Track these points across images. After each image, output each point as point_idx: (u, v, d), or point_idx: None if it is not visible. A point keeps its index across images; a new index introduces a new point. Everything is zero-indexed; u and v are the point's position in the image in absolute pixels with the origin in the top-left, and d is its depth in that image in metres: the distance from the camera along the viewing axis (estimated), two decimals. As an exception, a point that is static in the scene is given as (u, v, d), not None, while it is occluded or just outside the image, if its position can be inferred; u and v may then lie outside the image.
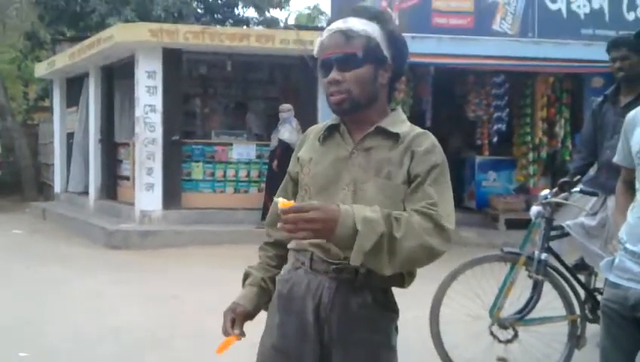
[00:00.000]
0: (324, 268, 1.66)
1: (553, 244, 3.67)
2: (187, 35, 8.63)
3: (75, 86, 12.15)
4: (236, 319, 1.74)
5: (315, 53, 1.71)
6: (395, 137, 1.67)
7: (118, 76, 10.56)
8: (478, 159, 9.52)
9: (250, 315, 1.79)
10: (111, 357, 4.03)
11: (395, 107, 1.79)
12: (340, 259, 1.62)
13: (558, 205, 3.73)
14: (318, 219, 1.45)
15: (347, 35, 1.62)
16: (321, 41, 1.68)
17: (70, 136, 12.27)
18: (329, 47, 1.65)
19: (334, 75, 1.63)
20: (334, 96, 1.65)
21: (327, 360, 1.67)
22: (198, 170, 9.22)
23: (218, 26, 13.37)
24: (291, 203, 1.50)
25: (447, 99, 9.64)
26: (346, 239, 1.48)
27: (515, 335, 3.56)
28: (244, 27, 15.03)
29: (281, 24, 16.45)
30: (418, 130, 1.71)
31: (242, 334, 1.72)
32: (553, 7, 9.41)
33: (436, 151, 1.67)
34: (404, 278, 1.71)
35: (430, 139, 1.68)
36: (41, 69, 12.74)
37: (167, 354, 4.10)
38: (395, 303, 1.74)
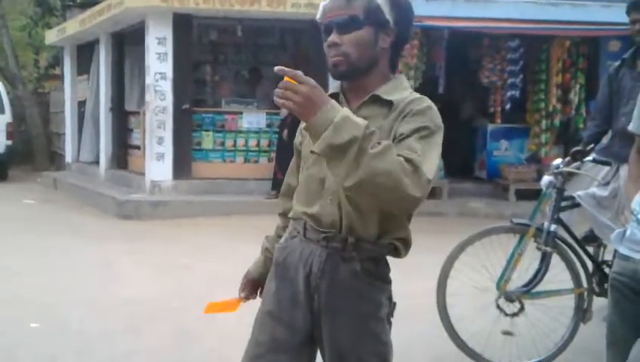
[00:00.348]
0: (316, 237, 1.67)
1: (563, 215, 3.61)
2: (197, 0, 8.50)
3: (85, 53, 12.10)
4: (246, 284, 1.94)
5: (317, 17, 1.69)
6: (389, 105, 1.62)
7: (128, 43, 10.49)
8: (490, 127, 9.35)
9: (257, 282, 1.92)
10: (122, 328, 4.07)
11: (397, 75, 1.71)
12: (330, 228, 1.64)
13: (570, 175, 3.66)
14: (305, 94, 1.40)
15: None
16: (324, 5, 1.66)
17: (81, 104, 12.29)
18: (331, 10, 1.63)
19: (333, 37, 1.61)
20: (332, 59, 1.62)
21: (317, 327, 1.69)
22: (208, 140, 9.18)
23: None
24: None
25: (460, 65, 9.46)
26: (320, 127, 1.40)
27: (522, 309, 3.52)
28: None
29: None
30: (415, 95, 1.64)
31: (242, 298, 1.92)
32: (572, -33, 9.13)
33: (428, 113, 1.58)
34: (397, 248, 1.68)
35: (425, 103, 1.61)
36: (51, 36, 12.68)
37: (177, 325, 4.14)
38: (387, 274, 1.71)
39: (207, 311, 1.88)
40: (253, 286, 1.93)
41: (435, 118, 1.59)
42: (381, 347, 1.68)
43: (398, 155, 1.46)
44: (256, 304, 1.88)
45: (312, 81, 1.44)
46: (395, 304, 1.74)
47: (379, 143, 1.44)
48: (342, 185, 1.45)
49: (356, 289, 1.65)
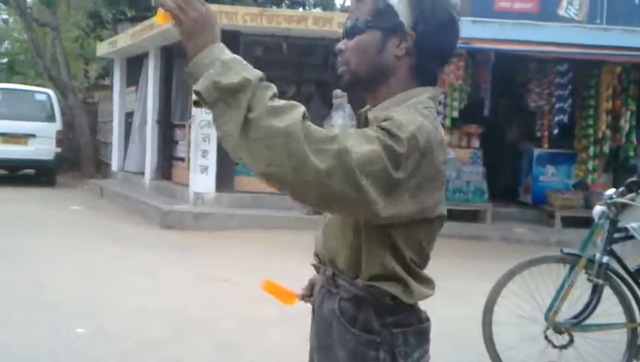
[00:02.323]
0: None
1: (616, 247, 3.52)
2: (245, 17, 8.66)
3: (134, 65, 12.41)
4: (308, 284, 1.69)
5: None
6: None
7: (176, 57, 10.72)
8: (537, 152, 9.20)
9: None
10: (163, 338, 4.12)
11: (416, 88, 1.34)
12: (318, 256, 1.47)
13: (624, 206, 3.56)
14: (203, 15, 1.21)
15: None
16: None
17: (129, 115, 12.58)
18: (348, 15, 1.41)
19: (339, 44, 1.39)
20: (338, 68, 1.39)
21: None
22: (251, 154, 9.27)
23: (275, 8, 13.37)
24: None
25: (507, 87, 9.37)
26: (206, 61, 1.18)
27: (571, 341, 3.43)
28: (301, 9, 14.99)
29: (338, 6, 16.32)
30: (403, 110, 1.26)
31: (299, 294, 1.67)
32: (624, -8, 8.99)
33: (395, 120, 1.19)
34: (386, 293, 1.31)
35: (401, 118, 1.20)
36: (103, 49, 13.07)
37: (216, 338, 4.17)
38: (371, 323, 1.33)
39: (264, 288, 1.66)
40: (313, 289, 1.66)
41: (408, 127, 1.18)
42: None
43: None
44: (300, 328, 1.80)
45: (207, 5, 1.23)
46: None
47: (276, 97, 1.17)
48: (226, 144, 1.15)
49: (336, 331, 1.38)
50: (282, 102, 1.16)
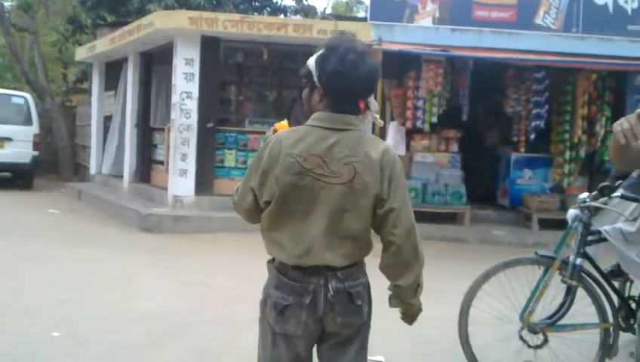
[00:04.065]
0: None
1: (589, 249, 3.58)
2: (226, 24, 8.65)
3: (113, 70, 12.32)
4: None
5: None
6: None
7: (156, 62, 10.67)
8: (514, 156, 9.33)
9: None
10: (140, 342, 4.09)
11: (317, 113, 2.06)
12: None
13: (597, 209, 3.63)
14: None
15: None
16: None
17: (107, 119, 12.49)
18: None
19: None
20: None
21: None
22: (230, 158, 9.28)
23: (256, 14, 13.38)
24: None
25: (485, 94, 9.48)
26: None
27: (545, 341, 3.49)
28: (282, 16, 15.01)
29: (319, 13, 16.38)
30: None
31: None
32: (599, 1, 9.16)
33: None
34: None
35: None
36: (81, 53, 12.96)
37: (195, 342, 4.15)
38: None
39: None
40: None
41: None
42: None
43: None
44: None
45: None
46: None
47: None
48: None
49: None
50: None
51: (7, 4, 16.97)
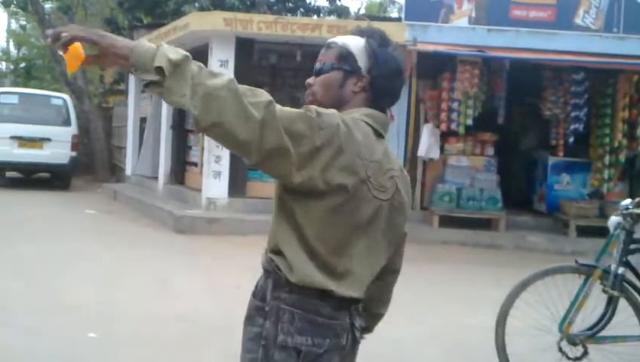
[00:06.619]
0: None
1: (632, 258, 3.47)
2: (260, 25, 8.70)
3: (149, 72, 12.47)
4: None
5: None
6: None
7: (191, 64, 10.78)
8: (552, 160, 9.13)
9: None
10: (173, 344, 4.12)
11: (362, 109, 1.67)
12: None
13: (640, 216, 3.52)
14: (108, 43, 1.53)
15: (328, 46, 1.75)
16: None
17: (143, 120, 12.67)
18: (318, 58, 1.79)
19: (309, 79, 1.77)
20: (306, 98, 1.75)
21: None
22: (263, 160, 9.30)
23: (290, 15, 13.42)
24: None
25: (521, 95, 9.32)
26: (146, 52, 1.46)
27: (585, 353, 3.39)
28: (315, 17, 15.02)
29: (352, 13, 16.34)
30: None
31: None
32: (641, 1, 8.92)
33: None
34: (286, 261, 1.56)
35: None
36: (118, 55, 13.17)
37: (227, 344, 4.15)
38: (275, 298, 1.59)
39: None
40: None
41: (326, 111, 1.51)
42: None
43: None
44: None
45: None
46: None
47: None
48: (183, 106, 1.42)
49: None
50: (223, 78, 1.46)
51: (47, 6, 17.40)
